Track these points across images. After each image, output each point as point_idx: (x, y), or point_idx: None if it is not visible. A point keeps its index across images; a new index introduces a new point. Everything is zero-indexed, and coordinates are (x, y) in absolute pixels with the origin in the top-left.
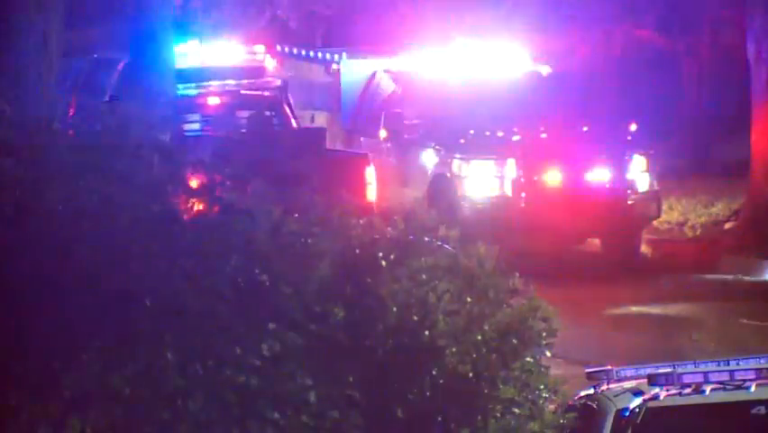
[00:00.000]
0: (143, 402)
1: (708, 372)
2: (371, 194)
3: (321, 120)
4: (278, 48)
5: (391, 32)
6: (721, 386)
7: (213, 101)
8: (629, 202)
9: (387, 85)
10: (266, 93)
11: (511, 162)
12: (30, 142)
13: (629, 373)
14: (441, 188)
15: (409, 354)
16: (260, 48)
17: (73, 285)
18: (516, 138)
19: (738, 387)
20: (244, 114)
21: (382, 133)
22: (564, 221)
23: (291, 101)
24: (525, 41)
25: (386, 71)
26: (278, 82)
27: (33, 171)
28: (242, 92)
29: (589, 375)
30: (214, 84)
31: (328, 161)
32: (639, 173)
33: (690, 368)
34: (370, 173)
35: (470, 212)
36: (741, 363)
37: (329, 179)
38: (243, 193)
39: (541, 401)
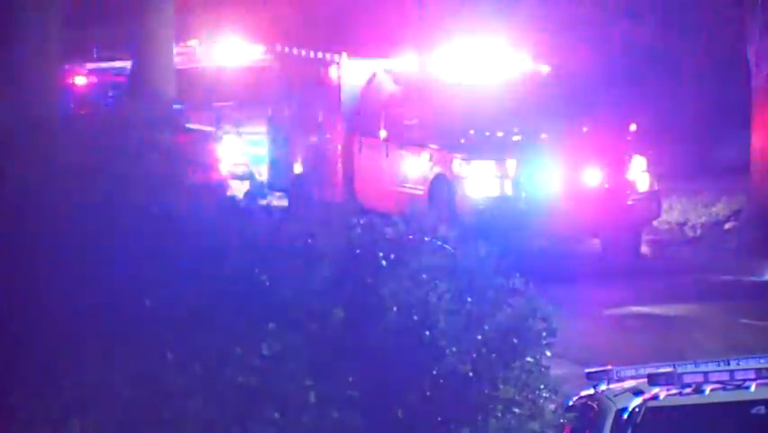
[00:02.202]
0: (143, 402)
1: (708, 372)
2: (221, 168)
3: None
4: (278, 48)
5: (392, 32)
6: (721, 386)
7: (80, 81)
8: (629, 202)
9: (387, 85)
10: None
11: (511, 162)
12: (30, 141)
13: (629, 372)
14: (441, 188)
15: (409, 354)
16: (260, 48)
17: (73, 285)
18: (516, 138)
19: (738, 387)
20: (112, 93)
21: (382, 133)
22: (564, 221)
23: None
24: (526, 40)
25: (386, 71)
26: None
27: (34, 171)
28: (113, 74)
29: (589, 375)
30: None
31: (183, 138)
32: (639, 173)
33: (690, 368)
34: (220, 149)
35: (470, 212)
36: (741, 363)
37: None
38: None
39: (541, 401)
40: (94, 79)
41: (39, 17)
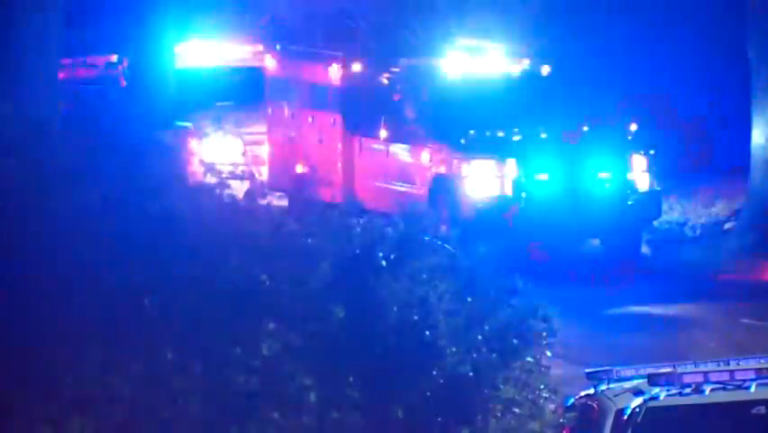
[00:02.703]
0: (143, 402)
1: (708, 372)
2: (194, 161)
3: None
4: (278, 48)
5: (392, 32)
6: (721, 386)
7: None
8: (629, 202)
9: (387, 85)
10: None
11: (511, 162)
12: (30, 141)
13: (629, 372)
14: (441, 188)
15: (409, 353)
16: (260, 47)
17: (73, 285)
18: (516, 138)
19: (738, 387)
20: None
21: (382, 133)
22: (564, 221)
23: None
24: (525, 40)
25: (386, 71)
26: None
27: (34, 171)
28: (92, 70)
29: (589, 375)
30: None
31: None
32: (639, 173)
33: (690, 368)
34: (194, 144)
35: (470, 212)
36: (741, 363)
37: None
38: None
39: (541, 401)
40: (71, 74)
41: (38, 17)
